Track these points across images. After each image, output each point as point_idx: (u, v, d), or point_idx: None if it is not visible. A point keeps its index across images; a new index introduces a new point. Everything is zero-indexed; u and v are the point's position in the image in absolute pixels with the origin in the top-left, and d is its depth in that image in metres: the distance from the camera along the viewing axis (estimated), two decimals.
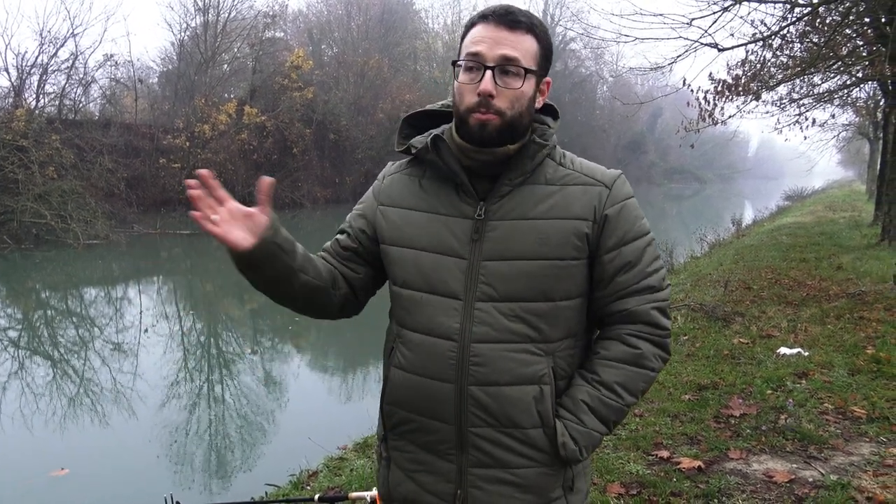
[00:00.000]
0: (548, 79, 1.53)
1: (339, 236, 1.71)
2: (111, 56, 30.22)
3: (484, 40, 1.42)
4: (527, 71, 1.43)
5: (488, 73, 1.41)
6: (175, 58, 36.60)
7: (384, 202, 1.63)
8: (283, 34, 42.80)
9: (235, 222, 1.44)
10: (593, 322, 1.61)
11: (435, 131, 1.56)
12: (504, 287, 1.46)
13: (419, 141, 1.56)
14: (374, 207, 1.64)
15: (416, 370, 1.53)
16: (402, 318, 1.57)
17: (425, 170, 1.59)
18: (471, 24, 1.47)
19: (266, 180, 1.47)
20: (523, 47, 1.43)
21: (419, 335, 1.52)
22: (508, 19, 1.43)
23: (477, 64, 1.42)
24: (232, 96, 36.16)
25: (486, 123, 1.43)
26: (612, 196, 1.51)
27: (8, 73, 26.10)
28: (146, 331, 11.18)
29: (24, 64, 26.53)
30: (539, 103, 1.53)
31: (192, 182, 1.39)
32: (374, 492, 2.76)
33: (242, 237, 1.43)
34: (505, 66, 1.42)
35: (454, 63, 1.48)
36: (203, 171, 1.41)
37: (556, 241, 1.47)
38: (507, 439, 1.49)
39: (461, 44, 1.49)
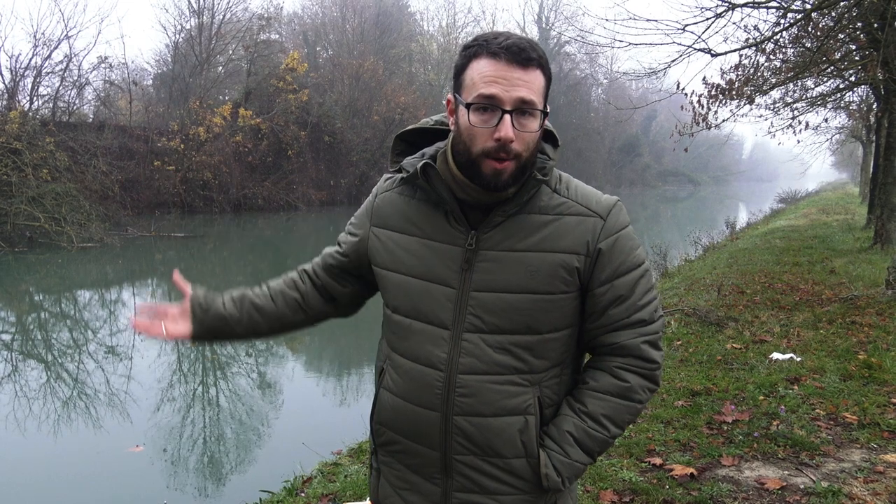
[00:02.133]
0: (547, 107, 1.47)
1: (334, 250, 1.76)
2: (105, 58, 30.30)
3: (498, 81, 1.35)
4: (545, 113, 1.41)
5: (507, 118, 1.35)
6: (169, 60, 36.64)
7: (377, 223, 1.62)
8: (277, 36, 42.88)
9: (178, 320, 1.71)
10: (583, 349, 1.61)
11: (428, 151, 1.55)
12: (492, 319, 1.46)
13: (410, 164, 1.54)
14: (367, 228, 1.64)
15: (403, 396, 1.55)
16: (392, 341, 1.59)
17: (416, 190, 1.57)
18: (473, 55, 1.39)
19: (176, 275, 1.75)
20: (537, 86, 1.38)
21: (408, 361, 1.54)
22: (522, 57, 1.36)
23: (492, 106, 1.36)
24: (227, 98, 36.21)
25: (501, 172, 1.38)
26: (606, 228, 1.48)
27: (1, 75, 26.17)
28: (140, 333, 11.14)
29: (17, 66, 26.61)
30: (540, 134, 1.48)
31: (135, 322, 1.72)
32: (368, 502, 2.78)
33: (183, 328, 1.70)
34: (522, 109, 1.37)
35: (467, 105, 1.39)
36: (134, 322, 1.71)
37: (545, 274, 1.45)
38: (490, 467, 1.51)
39: (462, 74, 1.42)
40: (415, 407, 1.53)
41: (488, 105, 1.36)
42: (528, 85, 1.37)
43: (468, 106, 1.38)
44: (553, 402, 1.54)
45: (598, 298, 1.49)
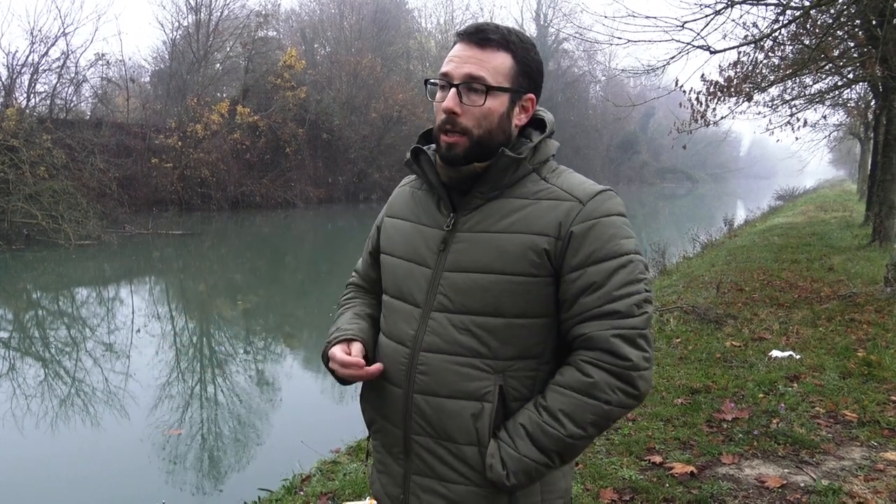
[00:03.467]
0: (530, 95, 1.50)
1: (368, 262, 1.82)
2: (103, 55, 30.23)
3: (453, 59, 1.45)
4: (490, 88, 1.43)
5: (452, 90, 1.44)
6: (167, 57, 36.62)
7: (389, 213, 1.70)
8: (275, 33, 42.79)
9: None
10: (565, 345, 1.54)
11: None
12: (459, 298, 1.46)
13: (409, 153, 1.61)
14: (383, 217, 1.73)
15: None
16: (381, 322, 1.64)
17: (422, 182, 1.63)
18: (453, 44, 1.50)
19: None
20: (492, 65, 1.44)
21: (385, 339, 1.59)
22: (478, 37, 1.44)
23: (445, 83, 1.46)
24: (224, 96, 36.16)
25: (452, 145, 1.45)
26: (583, 212, 1.44)
27: None
28: (138, 331, 11.15)
29: (14, 63, 26.56)
30: (521, 121, 1.52)
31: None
32: (368, 501, 2.77)
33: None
34: (470, 84, 1.43)
35: (426, 82, 1.52)
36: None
37: (513, 255, 1.44)
38: (444, 452, 1.50)
39: None
40: (384, 383, 1.57)
41: (443, 82, 1.46)
42: (481, 63, 1.43)
43: (426, 83, 1.51)
44: (522, 396, 1.48)
45: (569, 285, 1.44)
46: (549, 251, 1.43)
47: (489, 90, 1.43)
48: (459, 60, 1.44)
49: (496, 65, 1.44)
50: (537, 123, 1.58)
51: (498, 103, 1.45)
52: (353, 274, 1.88)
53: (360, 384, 1.69)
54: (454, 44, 1.49)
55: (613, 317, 1.41)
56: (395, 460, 1.59)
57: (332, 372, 1.58)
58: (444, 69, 1.46)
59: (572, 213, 1.44)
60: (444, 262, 1.49)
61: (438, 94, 1.48)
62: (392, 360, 1.54)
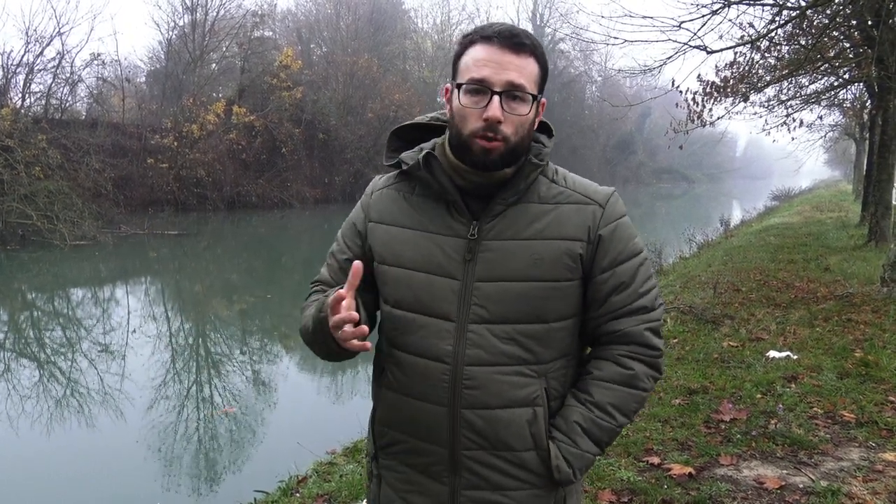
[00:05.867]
0: (543, 99, 1.50)
1: (335, 268, 1.65)
2: (98, 55, 30.13)
3: (489, 64, 1.38)
4: (533, 97, 1.42)
5: (496, 98, 1.38)
6: (163, 57, 36.54)
7: (374, 218, 1.58)
8: (271, 33, 42.70)
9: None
10: (586, 340, 1.60)
11: (426, 146, 1.53)
12: (497, 309, 1.44)
13: (410, 157, 1.53)
14: (365, 222, 1.60)
15: (408, 392, 1.51)
16: (393, 338, 1.54)
17: (415, 186, 1.55)
18: (470, 42, 1.43)
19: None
20: (528, 72, 1.41)
21: (411, 357, 1.50)
22: (514, 42, 1.39)
23: (482, 88, 1.39)
24: (220, 96, 36.07)
25: (490, 150, 1.40)
26: (605, 215, 1.50)
27: None
28: (134, 332, 11.10)
29: (9, 63, 26.48)
30: (535, 125, 1.51)
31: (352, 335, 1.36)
32: (364, 503, 2.75)
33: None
34: (512, 92, 1.39)
35: (458, 85, 1.42)
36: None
37: (550, 261, 1.45)
38: (500, 462, 1.48)
39: (458, 61, 1.45)
40: (421, 403, 1.50)
41: (479, 87, 1.39)
42: (519, 69, 1.39)
43: (459, 87, 1.42)
44: (559, 395, 1.53)
45: (600, 286, 1.50)
46: (582, 255, 1.48)
47: (533, 98, 1.42)
48: (498, 66, 1.38)
49: (531, 71, 1.42)
50: (540, 126, 1.57)
51: (532, 111, 1.44)
52: (316, 285, 1.70)
53: (370, 397, 1.65)
54: (472, 43, 1.42)
55: (642, 312, 1.52)
56: (434, 479, 1.53)
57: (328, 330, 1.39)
58: (480, 74, 1.38)
59: (597, 217, 1.49)
60: (473, 273, 1.45)
61: (467, 99, 1.40)
62: (428, 379, 1.47)
